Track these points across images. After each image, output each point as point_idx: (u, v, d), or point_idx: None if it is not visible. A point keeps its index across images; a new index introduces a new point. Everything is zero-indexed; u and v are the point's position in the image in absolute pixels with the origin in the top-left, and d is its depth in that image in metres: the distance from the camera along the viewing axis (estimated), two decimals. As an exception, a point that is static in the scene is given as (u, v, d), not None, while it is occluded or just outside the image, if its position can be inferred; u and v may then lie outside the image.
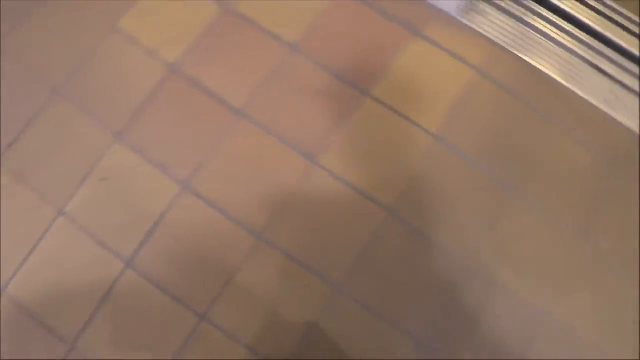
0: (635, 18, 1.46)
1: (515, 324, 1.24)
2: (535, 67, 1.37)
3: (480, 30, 1.36)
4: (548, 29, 1.40)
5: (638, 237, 1.32)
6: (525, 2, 1.43)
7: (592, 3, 1.45)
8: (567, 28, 1.43)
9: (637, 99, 1.44)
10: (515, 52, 1.36)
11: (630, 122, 1.40)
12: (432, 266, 1.23)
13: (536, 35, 1.39)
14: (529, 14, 1.42)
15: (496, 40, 1.36)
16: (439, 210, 1.26)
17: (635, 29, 1.45)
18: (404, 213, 1.25)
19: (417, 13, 1.36)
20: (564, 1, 1.44)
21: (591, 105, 1.39)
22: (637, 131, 1.40)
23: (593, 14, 1.45)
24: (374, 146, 1.28)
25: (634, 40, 1.45)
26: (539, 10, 1.43)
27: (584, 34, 1.43)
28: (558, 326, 1.25)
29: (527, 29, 1.39)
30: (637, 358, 1.19)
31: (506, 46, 1.36)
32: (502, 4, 1.42)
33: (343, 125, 1.29)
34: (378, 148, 1.28)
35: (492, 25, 1.36)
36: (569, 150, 1.34)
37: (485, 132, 1.32)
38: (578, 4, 1.45)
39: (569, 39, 1.43)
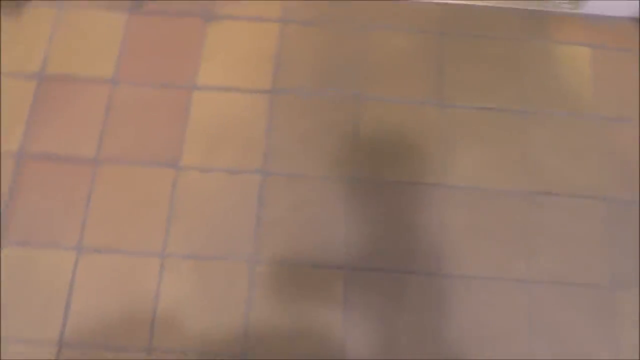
0: None
1: (422, 210, 1.32)
2: None
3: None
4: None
5: (488, 87, 1.44)
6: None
7: None
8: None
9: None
10: None
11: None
12: (318, 198, 1.30)
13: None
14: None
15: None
16: (306, 150, 1.34)
17: None
18: (275, 168, 1.32)
19: (199, 2, 1.45)
20: None
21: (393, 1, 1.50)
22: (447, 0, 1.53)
23: None
24: (221, 129, 1.35)
25: None
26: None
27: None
28: (462, 191, 1.35)
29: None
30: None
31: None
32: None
33: (186, 124, 1.35)
34: (226, 129, 1.35)
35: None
36: (392, 41, 1.45)
37: (314, 65, 1.41)
38: None
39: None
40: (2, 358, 1.23)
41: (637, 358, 1.21)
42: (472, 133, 1.40)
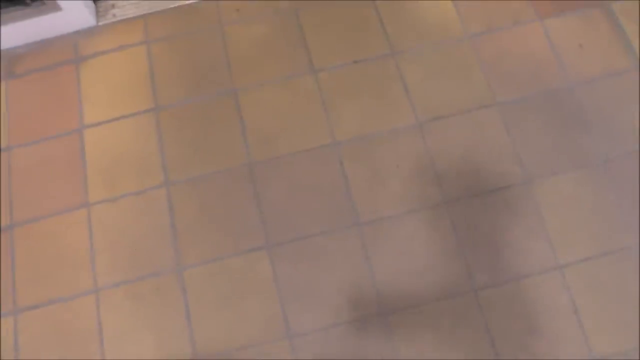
0: None
1: (322, 172, 1.36)
2: (181, 6, 1.56)
3: (123, 17, 1.53)
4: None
5: (352, 44, 1.50)
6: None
7: None
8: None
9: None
10: (158, 10, 1.54)
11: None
12: (223, 192, 1.35)
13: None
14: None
15: (138, 14, 1.53)
16: (199, 153, 1.39)
17: None
18: (176, 177, 1.37)
19: (66, 45, 1.52)
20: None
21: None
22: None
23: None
24: (118, 157, 1.40)
25: None
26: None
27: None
28: (354, 143, 1.39)
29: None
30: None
31: (149, 12, 1.53)
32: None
33: (85, 164, 1.40)
34: (122, 156, 1.40)
35: (127, 7, 1.54)
36: (251, 31, 1.52)
37: (184, 76, 1.47)
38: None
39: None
40: None
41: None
42: (349, 88, 1.45)
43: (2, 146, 1.44)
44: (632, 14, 1.51)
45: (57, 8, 1.47)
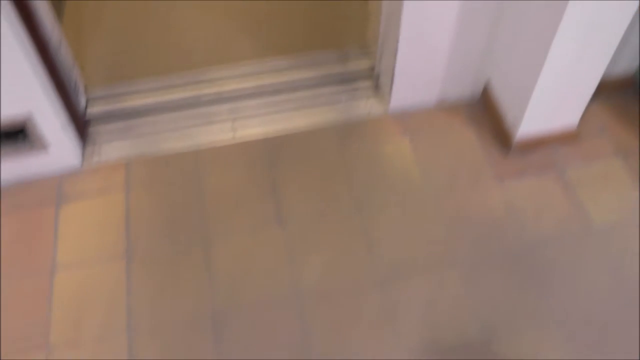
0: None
1: (281, 319, 1.38)
2: (163, 152, 1.67)
3: (107, 159, 1.64)
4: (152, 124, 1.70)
5: (322, 199, 1.60)
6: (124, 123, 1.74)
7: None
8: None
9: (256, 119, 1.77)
10: (141, 155, 1.66)
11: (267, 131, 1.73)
12: (184, 342, 1.35)
13: (146, 136, 1.69)
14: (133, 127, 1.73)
15: (122, 157, 1.65)
16: (165, 303, 1.42)
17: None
18: (139, 324, 1.38)
19: (48, 185, 1.60)
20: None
21: (216, 146, 1.70)
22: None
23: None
24: (84, 303, 1.42)
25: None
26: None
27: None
28: (314, 297, 1.42)
29: (139, 140, 1.70)
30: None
31: (132, 155, 1.65)
32: (110, 135, 1.71)
33: (48, 304, 1.41)
34: (88, 303, 1.42)
35: (111, 151, 1.65)
36: (227, 181, 1.63)
37: (158, 223, 1.55)
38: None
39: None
40: None
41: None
42: (315, 241, 1.52)
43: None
44: (584, 179, 1.63)
45: (44, 148, 1.55)
